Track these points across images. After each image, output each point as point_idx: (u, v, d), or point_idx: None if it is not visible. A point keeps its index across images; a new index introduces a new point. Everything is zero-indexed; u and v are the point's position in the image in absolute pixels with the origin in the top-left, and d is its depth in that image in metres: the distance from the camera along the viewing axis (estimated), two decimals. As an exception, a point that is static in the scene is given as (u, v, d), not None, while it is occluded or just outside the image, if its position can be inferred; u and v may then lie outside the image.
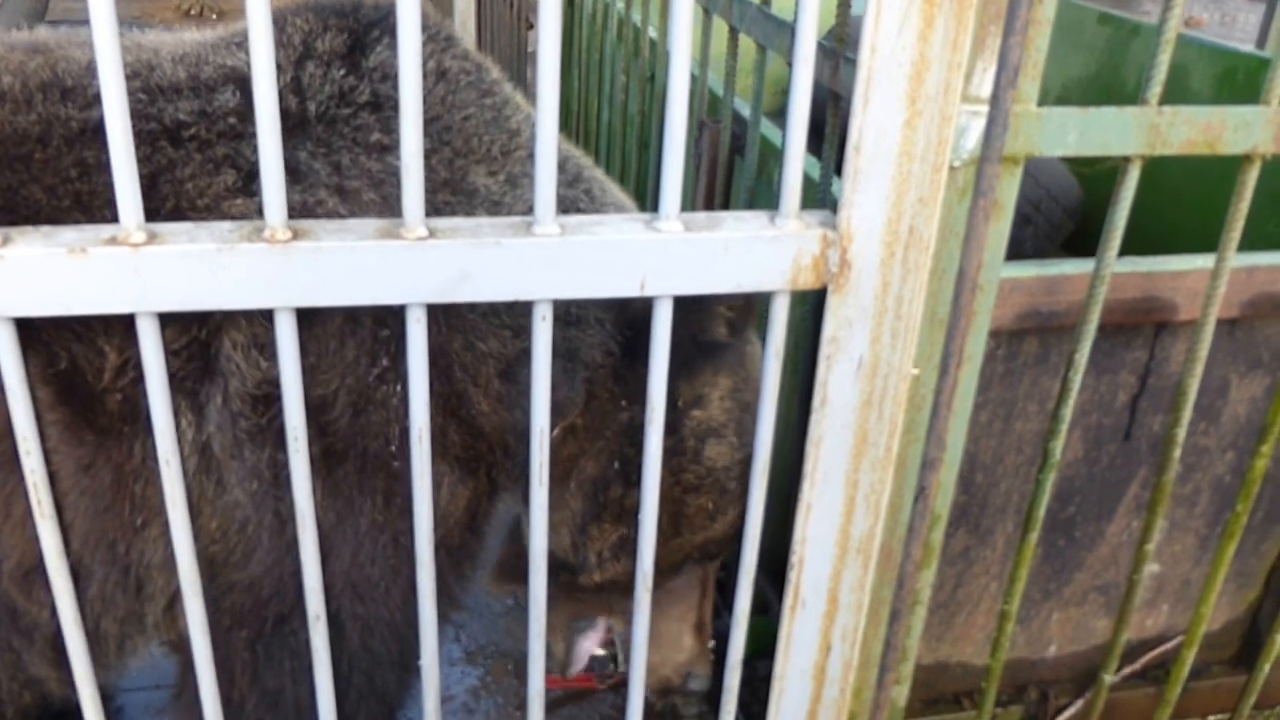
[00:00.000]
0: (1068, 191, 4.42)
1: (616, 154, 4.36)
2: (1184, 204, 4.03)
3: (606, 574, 2.36)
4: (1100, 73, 4.65)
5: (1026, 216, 4.39)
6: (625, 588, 2.01)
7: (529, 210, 2.02)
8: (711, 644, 2.71)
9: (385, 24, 2.03)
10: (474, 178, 1.99)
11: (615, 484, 2.22)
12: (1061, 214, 4.43)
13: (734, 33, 3.04)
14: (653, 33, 3.96)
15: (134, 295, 1.40)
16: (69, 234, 1.39)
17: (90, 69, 1.89)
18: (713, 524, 2.36)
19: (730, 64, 3.11)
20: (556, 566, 2.38)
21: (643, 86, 4.01)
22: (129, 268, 1.39)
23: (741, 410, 2.25)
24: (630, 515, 2.23)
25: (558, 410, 2.00)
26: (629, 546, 2.28)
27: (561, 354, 2.02)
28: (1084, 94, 4.65)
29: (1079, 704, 2.96)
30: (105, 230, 1.40)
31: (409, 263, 1.45)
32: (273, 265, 1.43)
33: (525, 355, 1.94)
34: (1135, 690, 3.06)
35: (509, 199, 2.01)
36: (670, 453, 1.92)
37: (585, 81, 4.85)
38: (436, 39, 2.07)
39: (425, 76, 1.99)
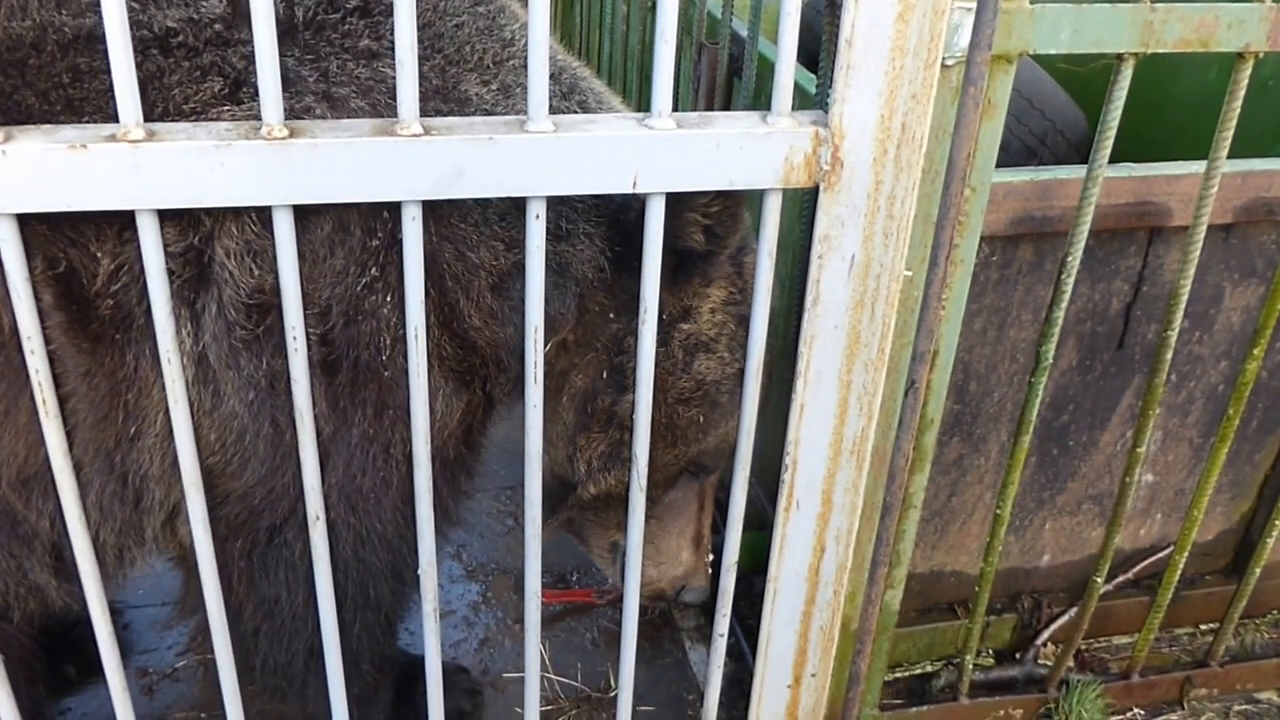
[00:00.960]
0: (1074, 125, 4.39)
1: (618, 87, 4.35)
2: (1198, 129, 4.01)
3: (600, 485, 2.39)
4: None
5: (1032, 150, 4.36)
6: (624, 500, 2.05)
7: None
8: (710, 559, 2.75)
9: None
10: (466, 86, 1.99)
11: (604, 394, 2.25)
12: (1067, 148, 4.40)
13: (732, -52, 3.04)
14: (652, -37, 3.93)
15: (133, 192, 1.42)
16: (70, 131, 1.41)
17: None
18: (704, 438, 2.38)
19: (729, -20, 3.10)
20: (555, 483, 2.41)
21: (644, 18, 3.99)
22: (128, 164, 1.40)
23: (736, 324, 2.25)
24: (619, 423, 2.27)
25: (550, 325, 2.02)
26: (618, 454, 2.32)
27: (553, 269, 2.03)
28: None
29: (1072, 612, 3.01)
30: (105, 128, 1.43)
31: (405, 159, 1.47)
32: (270, 163, 1.44)
33: (518, 269, 1.96)
34: (1129, 599, 3.10)
35: (501, 108, 2.01)
36: (658, 364, 1.95)
37: (587, 15, 4.82)
38: None
39: None
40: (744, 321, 2.19)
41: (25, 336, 1.50)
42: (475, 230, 1.95)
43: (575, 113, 2.17)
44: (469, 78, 2.00)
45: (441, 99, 1.95)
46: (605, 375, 2.22)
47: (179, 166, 1.42)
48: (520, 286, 1.96)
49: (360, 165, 1.46)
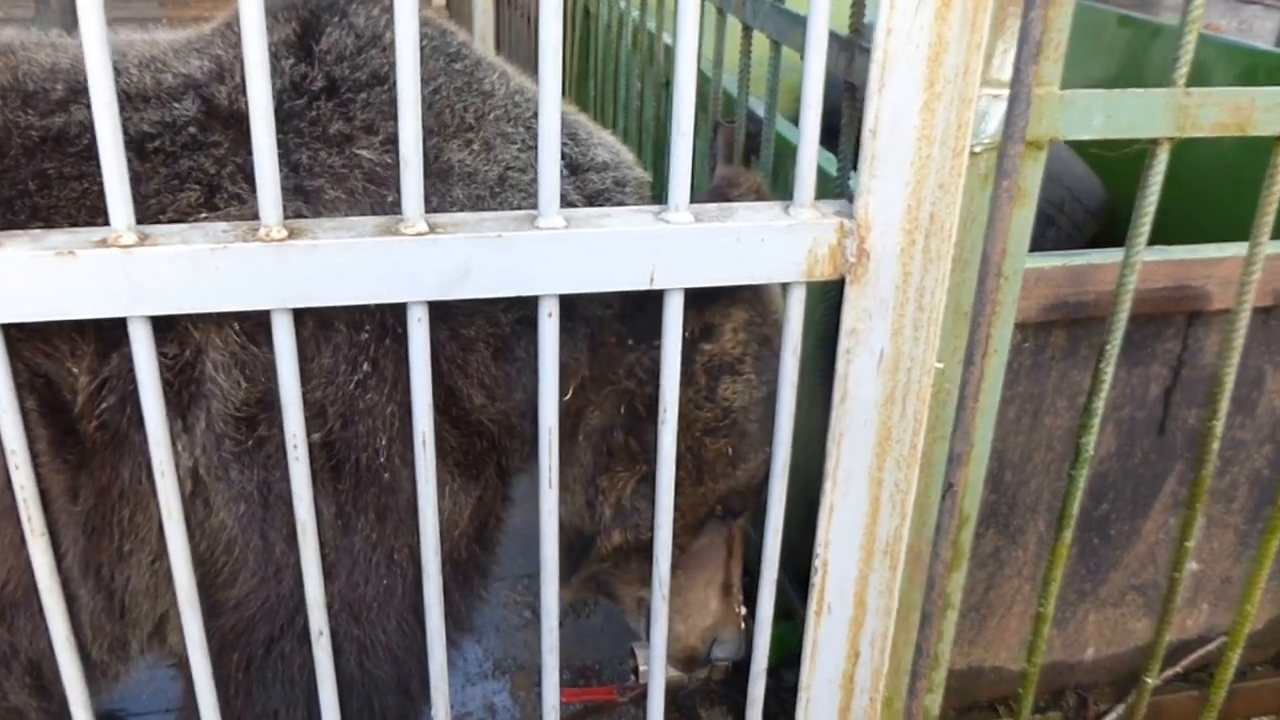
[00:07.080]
0: (1091, 192, 4.37)
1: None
2: (1216, 200, 3.95)
3: (623, 533, 2.21)
4: (1121, 74, 4.60)
5: (1050, 218, 4.34)
6: (647, 551, 1.90)
7: (505, 173, 1.95)
8: (743, 611, 2.57)
9: (336, 4, 1.96)
10: (448, 155, 1.92)
11: (624, 428, 2.10)
12: (1084, 214, 4.37)
13: (747, 31, 3.00)
14: (668, 38, 3.93)
15: (125, 299, 1.36)
16: (58, 237, 1.35)
17: (54, 72, 1.83)
18: (734, 471, 2.20)
19: (744, 62, 3.06)
20: (575, 535, 2.26)
21: (658, 92, 3.99)
22: (119, 270, 1.34)
23: (759, 344, 2.11)
24: (643, 458, 2.11)
25: (563, 372, 1.86)
26: (644, 493, 2.13)
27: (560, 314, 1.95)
28: (1105, 96, 4.61)
29: (1119, 709, 2.89)
30: (96, 233, 1.36)
31: (409, 259, 1.40)
32: (268, 264, 1.38)
33: (521, 325, 1.87)
34: (1177, 693, 2.98)
35: (485, 166, 1.94)
36: (682, 389, 1.81)
37: (601, 90, 4.84)
38: (391, 10, 2.01)
39: (385, 49, 1.93)
40: (767, 342, 2.06)
41: (10, 450, 1.43)
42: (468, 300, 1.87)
43: (564, 178, 2.08)
44: (450, 145, 1.94)
45: None
46: (624, 409, 2.07)
47: (173, 271, 1.36)
48: (525, 344, 1.88)
49: (363, 265, 1.40)
